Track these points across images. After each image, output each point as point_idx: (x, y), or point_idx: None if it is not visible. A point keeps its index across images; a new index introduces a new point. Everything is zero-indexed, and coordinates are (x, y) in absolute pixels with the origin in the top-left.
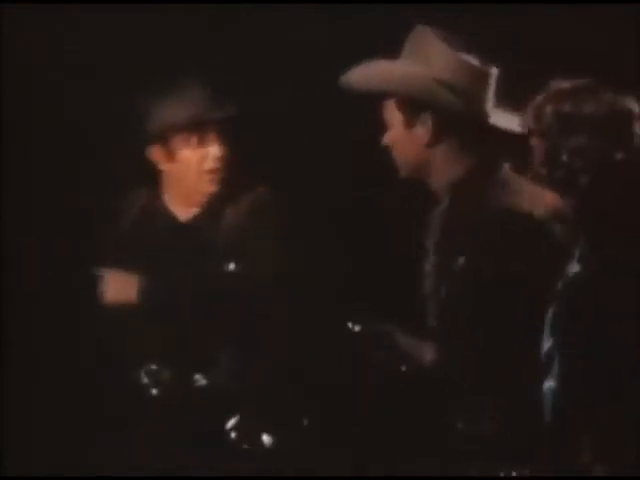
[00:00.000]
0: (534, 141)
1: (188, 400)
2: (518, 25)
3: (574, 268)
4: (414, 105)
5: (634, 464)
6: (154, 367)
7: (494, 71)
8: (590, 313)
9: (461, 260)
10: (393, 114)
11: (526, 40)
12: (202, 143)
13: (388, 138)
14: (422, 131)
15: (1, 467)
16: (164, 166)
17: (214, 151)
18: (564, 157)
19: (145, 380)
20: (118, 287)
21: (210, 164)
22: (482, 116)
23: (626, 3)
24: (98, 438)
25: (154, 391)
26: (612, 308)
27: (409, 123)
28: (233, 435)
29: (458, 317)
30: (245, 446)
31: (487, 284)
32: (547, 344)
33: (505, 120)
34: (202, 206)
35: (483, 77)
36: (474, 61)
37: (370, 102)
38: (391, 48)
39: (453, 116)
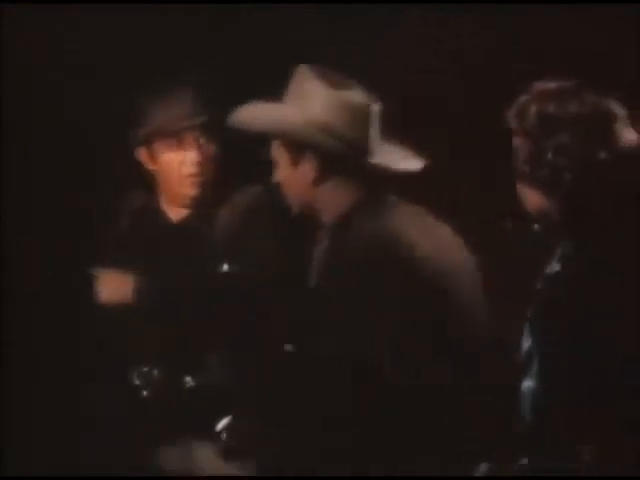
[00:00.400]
0: (517, 141)
1: (180, 401)
2: (518, 25)
3: (554, 268)
4: (298, 145)
5: (631, 464)
6: (145, 369)
7: (376, 107)
8: (570, 312)
9: (342, 291)
10: (280, 153)
11: (526, 40)
12: (181, 147)
13: (277, 176)
14: (308, 170)
15: (1, 467)
16: (151, 168)
17: (191, 156)
18: (548, 155)
19: (137, 382)
20: (113, 287)
21: (188, 168)
22: (365, 154)
23: (626, 3)
24: (98, 438)
25: (145, 393)
26: (593, 307)
27: (295, 162)
28: (224, 436)
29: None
30: (236, 447)
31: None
32: (526, 344)
33: (390, 155)
34: (191, 208)
35: (364, 115)
36: (357, 97)
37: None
38: (391, 48)
39: (336, 155)
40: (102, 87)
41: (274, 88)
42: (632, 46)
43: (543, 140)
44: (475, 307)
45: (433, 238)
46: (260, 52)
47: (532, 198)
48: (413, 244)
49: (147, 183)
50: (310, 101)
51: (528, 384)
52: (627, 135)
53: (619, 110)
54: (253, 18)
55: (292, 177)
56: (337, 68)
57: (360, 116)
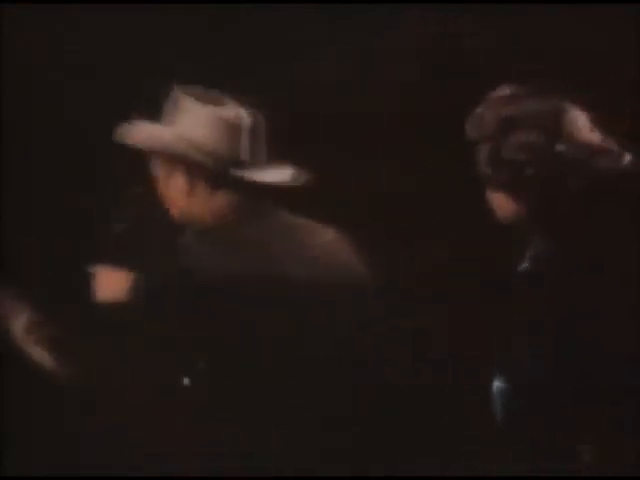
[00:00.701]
0: (478, 147)
1: (177, 400)
2: (518, 25)
3: (522, 267)
4: (170, 161)
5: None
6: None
7: (246, 122)
8: (538, 310)
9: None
10: (157, 167)
11: (526, 40)
12: None
13: (158, 189)
14: (181, 183)
15: (1, 467)
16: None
17: None
18: (508, 154)
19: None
20: (110, 285)
21: None
22: (236, 167)
23: (626, 3)
24: (98, 438)
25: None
26: (560, 304)
27: (169, 176)
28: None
29: None
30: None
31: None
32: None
33: (261, 168)
34: None
35: (235, 130)
36: (229, 113)
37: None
38: (390, 47)
39: (207, 169)
40: (102, 87)
41: (273, 87)
42: (632, 46)
43: (502, 140)
44: (359, 312)
45: (307, 247)
46: (260, 52)
47: (500, 201)
48: (276, 255)
49: (148, 183)
50: (183, 119)
51: (497, 384)
52: (586, 134)
53: (575, 110)
54: (253, 18)
55: (168, 190)
56: (337, 68)
57: (231, 132)
